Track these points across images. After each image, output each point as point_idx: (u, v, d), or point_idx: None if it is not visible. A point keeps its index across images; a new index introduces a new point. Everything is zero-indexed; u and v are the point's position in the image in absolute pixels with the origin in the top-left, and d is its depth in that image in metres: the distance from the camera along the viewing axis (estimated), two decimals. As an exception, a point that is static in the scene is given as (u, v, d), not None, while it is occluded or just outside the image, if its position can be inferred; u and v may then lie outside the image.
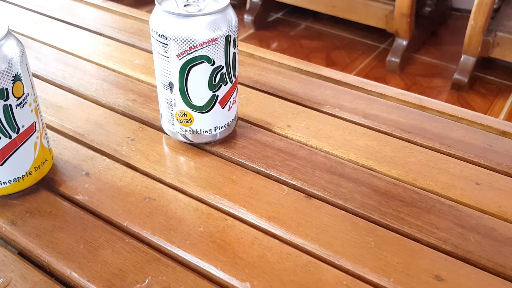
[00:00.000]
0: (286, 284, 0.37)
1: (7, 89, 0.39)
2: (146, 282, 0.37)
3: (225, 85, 0.47)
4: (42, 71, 0.62)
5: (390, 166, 0.48)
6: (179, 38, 0.43)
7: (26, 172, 0.43)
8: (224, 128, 0.50)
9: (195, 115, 0.48)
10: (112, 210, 0.43)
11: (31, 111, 0.42)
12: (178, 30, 0.43)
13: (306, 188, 0.46)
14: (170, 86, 0.46)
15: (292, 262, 0.39)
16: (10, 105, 0.40)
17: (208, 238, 0.41)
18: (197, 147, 0.50)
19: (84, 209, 0.43)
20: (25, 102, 0.41)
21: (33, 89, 0.42)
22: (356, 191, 0.45)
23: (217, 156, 0.50)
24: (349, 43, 1.87)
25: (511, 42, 1.49)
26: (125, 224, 0.42)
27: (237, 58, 0.47)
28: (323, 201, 0.44)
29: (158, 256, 0.39)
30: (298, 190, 0.45)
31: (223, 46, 0.44)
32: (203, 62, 0.44)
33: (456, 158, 0.50)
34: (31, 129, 0.42)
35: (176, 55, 0.44)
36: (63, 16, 0.76)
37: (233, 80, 0.48)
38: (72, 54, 0.66)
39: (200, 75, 0.45)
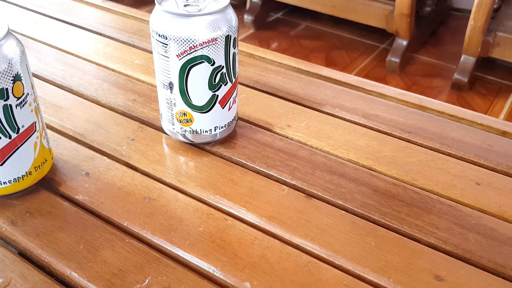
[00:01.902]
0: (286, 284, 0.37)
1: (7, 89, 0.39)
2: (146, 282, 0.37)
3: (225, 85, 0.47)
4: (42, 71, 0.62)
5: (390, 166, 0.48)
6: (179, 38, 0.43)
7: (26, 172, 0.43)
8: (224, 128, 0.50)
9: (195, 115, 0.48)
10: (112, 210, 0.43)
11: (31, 111, 0.42)
12: (178, 30, 0.43)
13: (306, 188, 0.46)
14: (170, 86, 0.46)
15: (292, 262, 0.39)
16: (10, 105, 0.40)
17: (208, 238, 0.41)
18: (197, 147, 0.50)
19: (84, 209, 0.43)
20: (25, 102, 0.41)
21: (33, 89, 0.42)
22: (356, 191, 0.45)
23: (217, 156, 0.49)
24: (349, 43, 1.87)
25: (511, 42, 1.49)
26: (125, 224, 0.42)
27: (237, 58, 0.47)
28: (323, 201, 0.44)
29: (158, 256, 0.39)
30: (298, 190, 0.45)
31: (223, 46, 0.44)
32: (203, 62, 0.44)
33: (456, 158, 0.50)
34: (31, 129, 0.42)
35: (176, 55, 0.44)
36: (63, 16, 0.76)
37: (233, 80, 0.48)
38: (72, 54, 0.66)
39: (200, 75, 0.45)
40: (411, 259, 0.39)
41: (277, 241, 0.41)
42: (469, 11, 1.50)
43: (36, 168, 0.44)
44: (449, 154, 0.50)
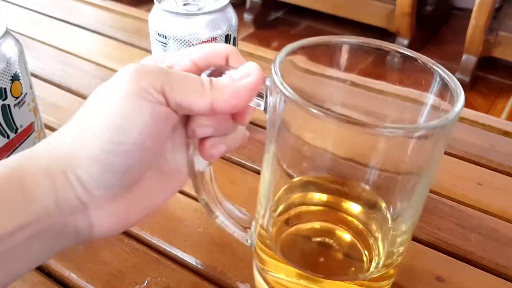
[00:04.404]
0: (286, 285, 0.37)
1: (5, 88, 0.38)
2: (145, 283, 0.37)
3: (225, 84, 0.47)
4: (41, 70, 0.62)
5: (391, 166, 0.48)
6: (179, 37, 0.43)
7: (24, 172, 0.43)
8: (224, 127, 0.49)
9: (195, 114, 0.47)
10: (111, 211, 0.43)
11: (30, 110, 0.42)
12: (177, 29, 0.43)
13: (306, 188, 0.45)
14: (170, 85, 0.46)
15: (292, 263, 0.38)
16: (8, 105, 0.39)
17: (208, 238, 0.40)
18: (197, 147, 0.50)
19: (83, 209, 0.43)
20: (24, 102, 0.41)
21: (31, 89, 0.42)
22: (356, 191, 0.45)
23: (217, 156, 0.49)
24: (350, 42, 1.87)
25: (512, 41, 1.49)
26: (124, 225, 0.42)
27: (237, 57, 0.47)
28: (323, 202, 0.44)
29: (157, 257, 0.39)
30: (298, 190, 0.45)
31: (223, 45, 0.44)
32: (203, 61, 0.44)
33: (458, 158, 0.49)
34: (30, 129, 0.42)
35: (176, 55, 0.44)
36: (62, 16, 0.76)
37: (233, 79, 0.47)
38: (71, 54, 0.66)
39: (199, 75, 0.45)
40: (412, 259, 0.39)
41: (277, 241, 0.40)
42: (471, 10, 1.50)
43: (34, 168, 0.44)
44: (450, 154, 0.50)
